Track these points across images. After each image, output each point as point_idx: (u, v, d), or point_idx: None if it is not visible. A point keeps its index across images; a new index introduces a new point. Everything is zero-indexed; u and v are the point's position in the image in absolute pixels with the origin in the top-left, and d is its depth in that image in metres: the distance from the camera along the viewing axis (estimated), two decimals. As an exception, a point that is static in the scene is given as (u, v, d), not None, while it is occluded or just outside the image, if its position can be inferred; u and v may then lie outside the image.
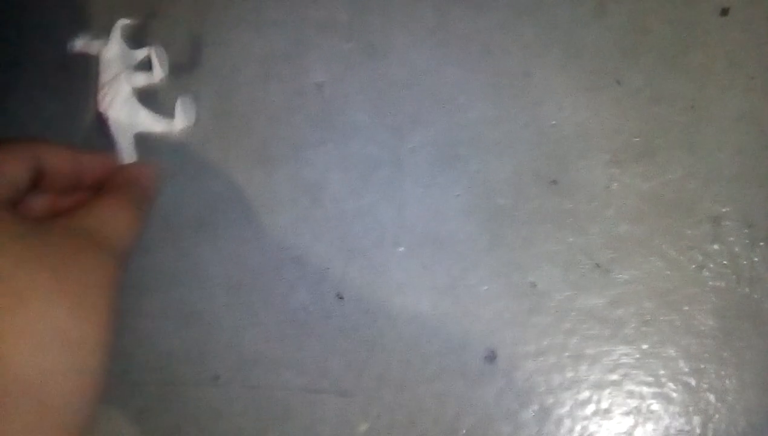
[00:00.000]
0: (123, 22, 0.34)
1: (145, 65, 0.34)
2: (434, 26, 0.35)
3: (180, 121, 0.34)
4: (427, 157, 0.34)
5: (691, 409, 0.32)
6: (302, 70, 0.35)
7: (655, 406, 0.32)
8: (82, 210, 0.25)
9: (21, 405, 0.20)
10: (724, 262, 0.32)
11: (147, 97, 0.34)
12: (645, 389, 0.32)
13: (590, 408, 0.32)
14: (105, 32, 0.37)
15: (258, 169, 0.35)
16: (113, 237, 0.25)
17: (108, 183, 0.28)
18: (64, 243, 0.23)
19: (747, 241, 0.32)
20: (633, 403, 0.32)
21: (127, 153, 0.33)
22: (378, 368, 0.34)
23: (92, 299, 0.22)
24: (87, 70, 0.37)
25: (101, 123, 0.33)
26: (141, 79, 0.34)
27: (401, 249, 0.34)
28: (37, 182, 0.26)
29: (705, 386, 0.32)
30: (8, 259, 0.21)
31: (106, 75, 0.34)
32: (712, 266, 0.32)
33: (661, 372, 0.32)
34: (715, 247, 0.32)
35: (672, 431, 0.32)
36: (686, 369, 0.32)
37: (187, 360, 0.35)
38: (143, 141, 0.33)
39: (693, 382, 0.32)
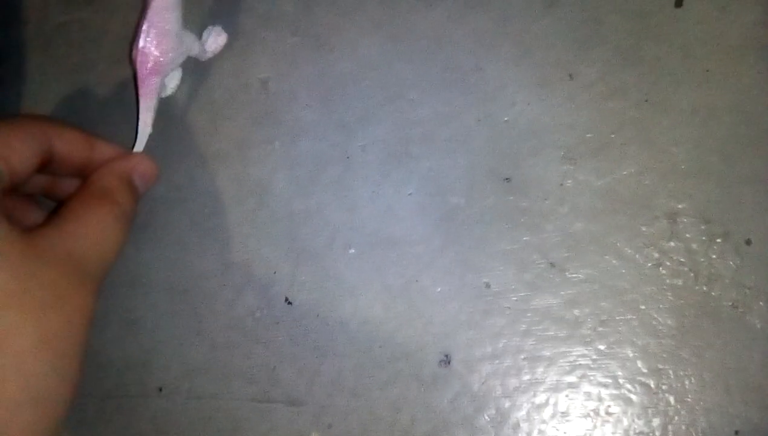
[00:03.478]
0: None
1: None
2: (382, 19, 0.33)
3: (211, 46, 0.32)
4: (377, 155, 0.33)
5: (650, 411, 0.31)
6: (246, 66, 0.34)
7: (614, 408, 0.31)
8: (69, 226, 0.22)
9: None
10: (682, 259, 0.32)
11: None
12: (603, 391, 0.31)
13: (548, 411, 0.32)
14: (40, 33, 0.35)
15: (201, 169, 0.33)
16: (100, 260, 0.23)
17: (99, 180, 0.25)
18: (47, 278, 0.20)
19: (704, 237, 0.32)
20: (591, 405, 0.31)
21: (146, 123, 0.29)
22: (330, 375, 0.32)
23: (67, 350, 0.21)
24: (17, 70, 0.35)
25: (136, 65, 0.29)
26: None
27: (352, 251, 0.33)
28: (44, 166, 0.24)
29: (664, 386, 0.31)
30: None
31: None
32: (669, 263, 0.32)
33: (619, 373, 0.31)
34: (672, 244, 0.32)
35: (631, 433, 0.31)
36: (645, 370, 0.31)
37: (129, 370, 0.33)
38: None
39: (652, 383, 0.31)
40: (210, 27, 0.32)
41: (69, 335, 0.21)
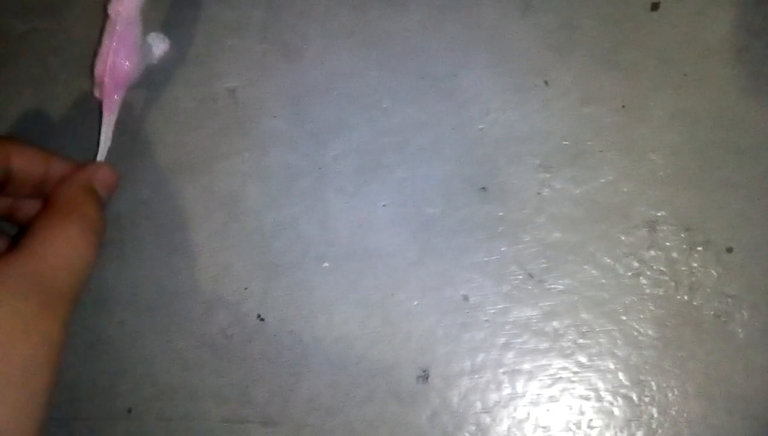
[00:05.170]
0: None
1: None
2: (353, 25, 0.33)
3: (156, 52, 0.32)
4: (350, 165, 0.32)
5: (633, 424, 0.31)
6: (213, 75, 0.33)
7: (596, 421, 0.31)
8: (33, 248, 0.21)
9: None
10: (662, 268, 0.31)
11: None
12: (585, 404, 0.31)
13: (529, 426, 0.31)
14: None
15: (168, 181, 0.32)
16: (70, 280, 0.21)
17: (61, 194, 0.24)
18: (9, 308, 0.19)
19: (684, 246, 0.31)
20: (573, 419, 0.31)
21: (108, 136, 0.29)
22: (305, 393, 0.31)
23: (33, 386, 0.19)
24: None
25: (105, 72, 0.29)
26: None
27: (326, 264, 0.32)
28: (1, 185, 0.23)
29: (647, 399, 0.31)
30: None
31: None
32: (649, 273, 0.31)
33: (601, 386, 0.31)
34: (652, 253, 0.31)
35: (615, 446, 0.31)
36: (627, 382, 0.31)
37: (96, 392, 0.32)
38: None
39: (634, 395, 0.31)
40: (153, 34, 0.32)
41: (35, 369, 0.19)
